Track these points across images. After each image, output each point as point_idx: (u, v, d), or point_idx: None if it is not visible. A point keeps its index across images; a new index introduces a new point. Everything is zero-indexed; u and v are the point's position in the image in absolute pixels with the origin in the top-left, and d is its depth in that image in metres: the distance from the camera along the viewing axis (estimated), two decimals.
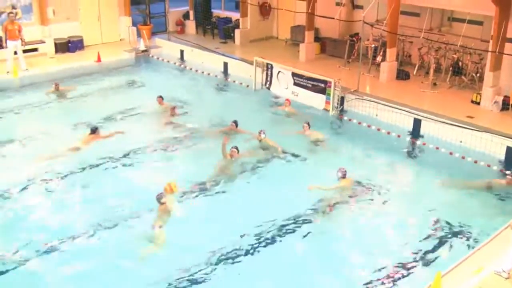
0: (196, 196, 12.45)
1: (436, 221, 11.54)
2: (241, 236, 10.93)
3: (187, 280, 9.75)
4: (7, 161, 14.04)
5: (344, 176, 12.67)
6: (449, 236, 11.09)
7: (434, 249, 10.66)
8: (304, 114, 17.07)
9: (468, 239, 10.95)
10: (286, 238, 11.05)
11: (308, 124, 15.31)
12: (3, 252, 10.38)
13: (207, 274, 9.92)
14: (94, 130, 15.02)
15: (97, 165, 13.77)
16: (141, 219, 11.42)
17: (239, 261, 10.30)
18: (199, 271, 9.95)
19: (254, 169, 13.79)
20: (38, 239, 10.71)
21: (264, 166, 13.98)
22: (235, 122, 15.52)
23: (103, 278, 9.82)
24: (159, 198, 11.23)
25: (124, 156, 14.31)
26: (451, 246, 10.79)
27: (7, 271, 9.92)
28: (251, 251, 10.61)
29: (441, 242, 10.89)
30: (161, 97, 17.44)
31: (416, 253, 10.51)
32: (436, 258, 10.42)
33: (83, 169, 13.56)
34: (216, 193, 12.68)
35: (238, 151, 13.72)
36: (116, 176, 13.39)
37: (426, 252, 10.55)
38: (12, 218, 11.54)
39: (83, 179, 13.12)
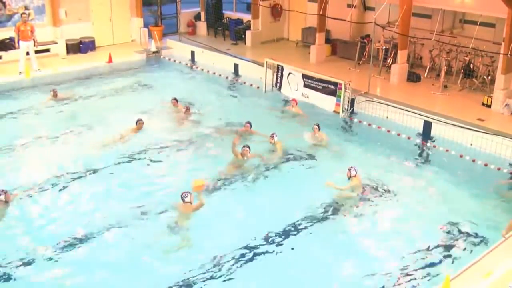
0: (209, 194, 12.50)
1: (446, 224, 11.49)
2: (251, 236, 10.99)
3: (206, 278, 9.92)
4: (17, 160, 14.18)
5: (354, 175, 12.76)
6: (459, 239, 11.04)
7: (443, 252, 10.62)
8: (311, 114, 17.08)
9: (478, 243, 10.90)
10: (295, 238, 11.09)
11: (318, 126, 15.30)
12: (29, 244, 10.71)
13: (219, 272, 10.05)
14: (136, 122, 15.62)
15: (114, 164, 13.95)
16: (159, 216, 11.64)
17: (247, 262, 10.35)
18: (211, 269, 10.11)
19: (264, 169, 13.82)
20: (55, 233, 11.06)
21: (274, 166, 13.99)
22: (250, 123, 15.57)
23: (122, 272, 10.06)
24: (184, 197, 11.29)
25: (139, 155, 14.48)
26: (460, 249, 10.74)
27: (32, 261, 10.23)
28: (260, 251, 10.65)
29: (451, 245, 10.85)
30: (175, 99, 17.53)
31: (426, 256, 10.48)
32: (445, 261, 10.39)
33: (95, 168, 13.73)
34: (228, 192, 12.78)
35: (249, 150, 13.83)
36: (132, 174, 13.56)
37: (436, 255, 10.51)
38: (42, 209, 12.01)
39: (100, 177, 13.37)
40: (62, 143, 15.18)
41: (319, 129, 15.27)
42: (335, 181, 12.81)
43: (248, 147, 13.85)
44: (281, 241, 10.95)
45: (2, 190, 11.93)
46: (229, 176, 13.33)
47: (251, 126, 15.54)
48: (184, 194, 11.31)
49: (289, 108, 17.64)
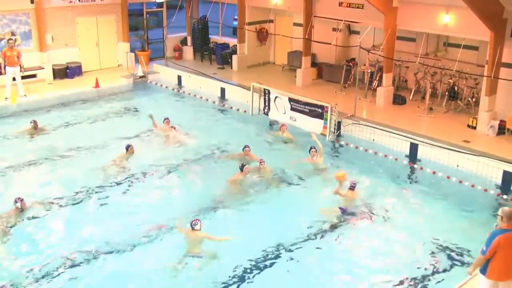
0: (204, 215, 12.55)
1: (434, 246, 11.52)
2: (244, 258, 11.00)
3: None
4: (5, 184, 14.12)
5: (353, 188, 13.07)
6: (447, 261, 11.07)
7: (432, 275, 10.62)
8: (302, 138, 17.06)
9: (467, 264, 10.89)
10: (287, 259, 11.10)
11: (315, 148, 15.34)
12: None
13: None
14: (127, 148, 15.38)
15: (108, 188, 13.97)
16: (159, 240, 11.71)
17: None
18: None
19: (256, 193, 13.82)
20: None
21: (265, 191, 14.00)
22: (248, 147, 15.59)
23: None
24: (193, 225, 11.14)
25: (131, 181, 14.43)
26: (449, 271, 10.76)
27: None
28: (257, 271, 10.69)
29: (439, 267, 10.86)
30: (168, 119, 17.58)
31: (413, 278, 10.47)
32: (433, 283, 10.39)
33: (95, 190, 13.80)
34: (220, 215, 12.75)
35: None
36: (127, 199, 13.54)
37: (424, 278, 10.51)
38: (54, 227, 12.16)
39: (96, 201, 13.35)
40: (51, 169, 15.07)
41: (317, 151, 15.31)
42: (321, 202, 13.00)
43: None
44: (273, 262, 10.97)
45: (19, 198, 12.19)
46: (228, 195, 13.52)
47: (249, 150, 15.56)
48: (194, 222, 11.16)
49: (278, 133, 17.58)
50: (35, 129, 17.37)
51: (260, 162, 14.58)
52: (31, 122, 17.47)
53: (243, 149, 15.50)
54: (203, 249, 10.99)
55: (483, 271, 8.50)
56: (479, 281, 8.69)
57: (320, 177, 14.72)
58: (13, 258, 10.85)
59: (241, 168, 14.13)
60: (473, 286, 9.28)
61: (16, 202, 12.28)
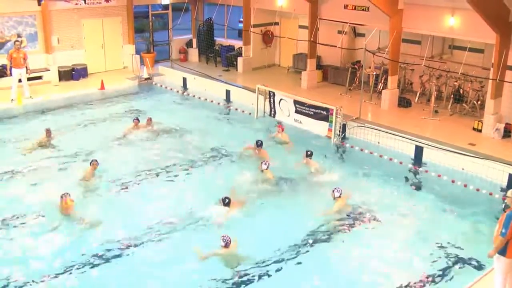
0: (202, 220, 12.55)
1: (439, 250, 11.49)
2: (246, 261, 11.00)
3: None
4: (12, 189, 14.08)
5: (339, 196, 12.92)
6: (453, 265, 11.04)
7: (437, 279, 10.59)
8: (298, 140, 17.09)
9: (472, 268, 10.91)
10: (287, 265, 11.03)
11: (307, 153, 15.26)
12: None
13: None
14: (91, 162, 14.63)
15: (110, 190, 14.02)
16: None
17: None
18: None
19: (256, 196, 13.75)
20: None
21: (265, 194, 13.91)
22: (258, 143, 15.75)
23: None
24: (223, 242, 10.85)
25: (124, 184, 14.42)
26: (455, 275, 10.72)
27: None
28: (254, 278, 10.61)
29: (444, 271, 10.83)
30: (137, 119, 17.94)
31: (418, 282, 10.44)
32: (438, 286, 10.37)
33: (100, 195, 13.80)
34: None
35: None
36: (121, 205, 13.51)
37: (429, 281, 10.48)
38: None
39: (103, 205, 13.31)
40: (57, 171, 15.08)
41: (307, 156, 15.24)
42: (321, 205, 13.08)
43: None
44: (268, 270, 10.87)
45: (64, 194, 12.42)
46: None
47: (258, 146, 15.72)
48: (225, 238, 10.86)
49: (275, 135, 17.53)
50: (49, 137, 16.87)
51: (262, 163, 14.47)
52: (44, 131, 16.94)
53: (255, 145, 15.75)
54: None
55: (503, 252, 8.82)
56: (498, 262, 9.00)
57: (319, 179, 14.70)
58: None
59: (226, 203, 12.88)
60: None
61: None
